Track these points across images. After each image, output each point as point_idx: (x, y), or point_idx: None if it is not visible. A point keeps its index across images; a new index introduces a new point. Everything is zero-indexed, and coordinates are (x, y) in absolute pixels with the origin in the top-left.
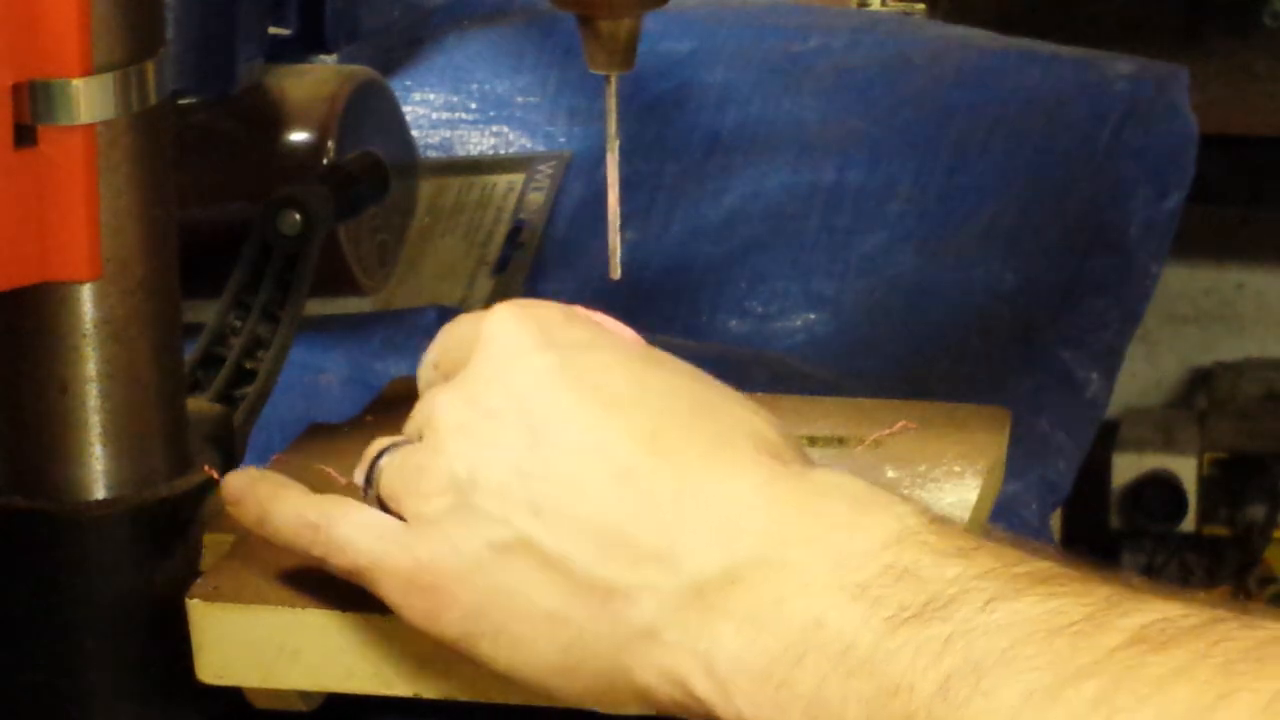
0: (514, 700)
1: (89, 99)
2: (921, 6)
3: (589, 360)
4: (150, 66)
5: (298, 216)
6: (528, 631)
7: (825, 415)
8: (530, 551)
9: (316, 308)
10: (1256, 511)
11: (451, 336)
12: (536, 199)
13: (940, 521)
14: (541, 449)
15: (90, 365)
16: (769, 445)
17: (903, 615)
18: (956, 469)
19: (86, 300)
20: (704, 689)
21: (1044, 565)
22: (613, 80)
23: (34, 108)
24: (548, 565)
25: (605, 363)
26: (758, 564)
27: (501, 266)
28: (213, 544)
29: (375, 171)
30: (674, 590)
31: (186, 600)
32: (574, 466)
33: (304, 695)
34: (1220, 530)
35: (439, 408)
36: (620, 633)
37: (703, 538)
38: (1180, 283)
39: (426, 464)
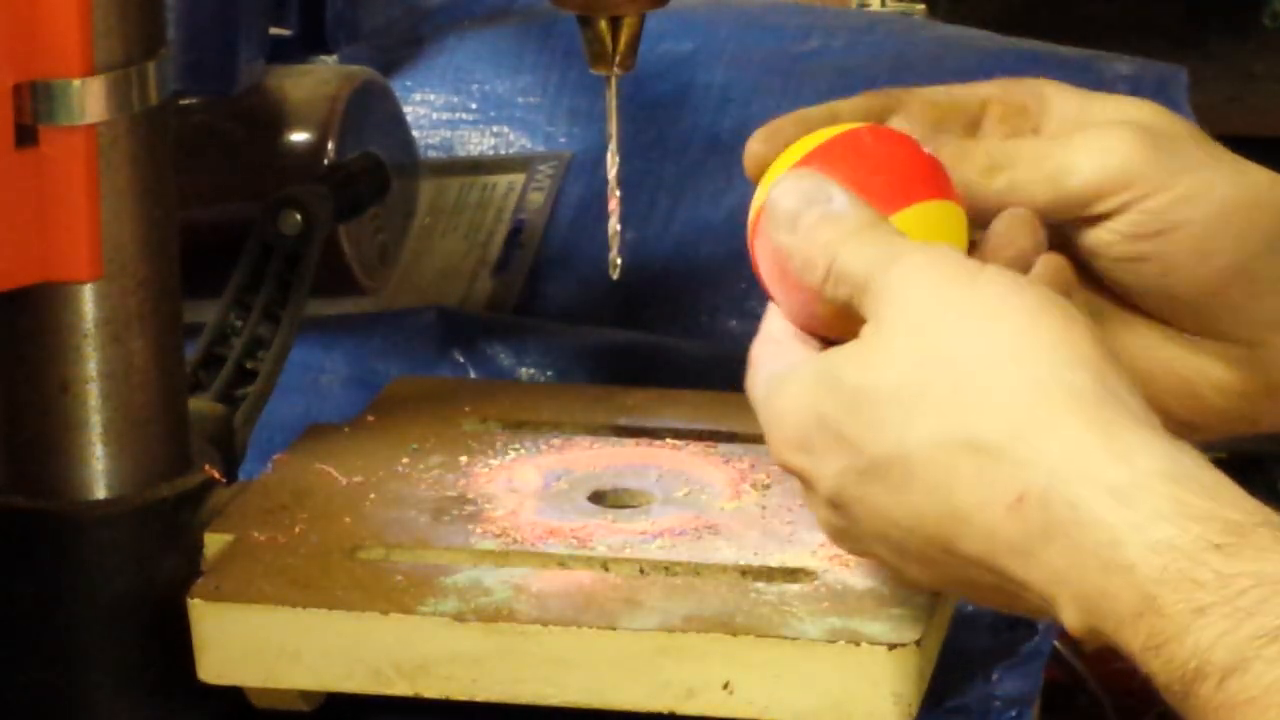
0: (514, 700)
1: (90, 99)
2: (921, 6)
3: None
4: (151, 67)
5: (298, 217)
6: None
7: None
8: None
9: (317, 308)
10: None
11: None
12: (537, 199)
13: (1169, 560)
14: None
15: (91, 365)
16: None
17: (1174, 689)
18: None
19: (87, 300)
20: None
21: None
22: (613, 80)
23: (35, 108)
24: None
25: None
26: None
27: (502, 266)
28: (214, 543)
29: (376, 172)
30: None
31: (187, 600)
32: None
33: (304, 695)
34: None
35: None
36: None
37: None
38: None
39: None
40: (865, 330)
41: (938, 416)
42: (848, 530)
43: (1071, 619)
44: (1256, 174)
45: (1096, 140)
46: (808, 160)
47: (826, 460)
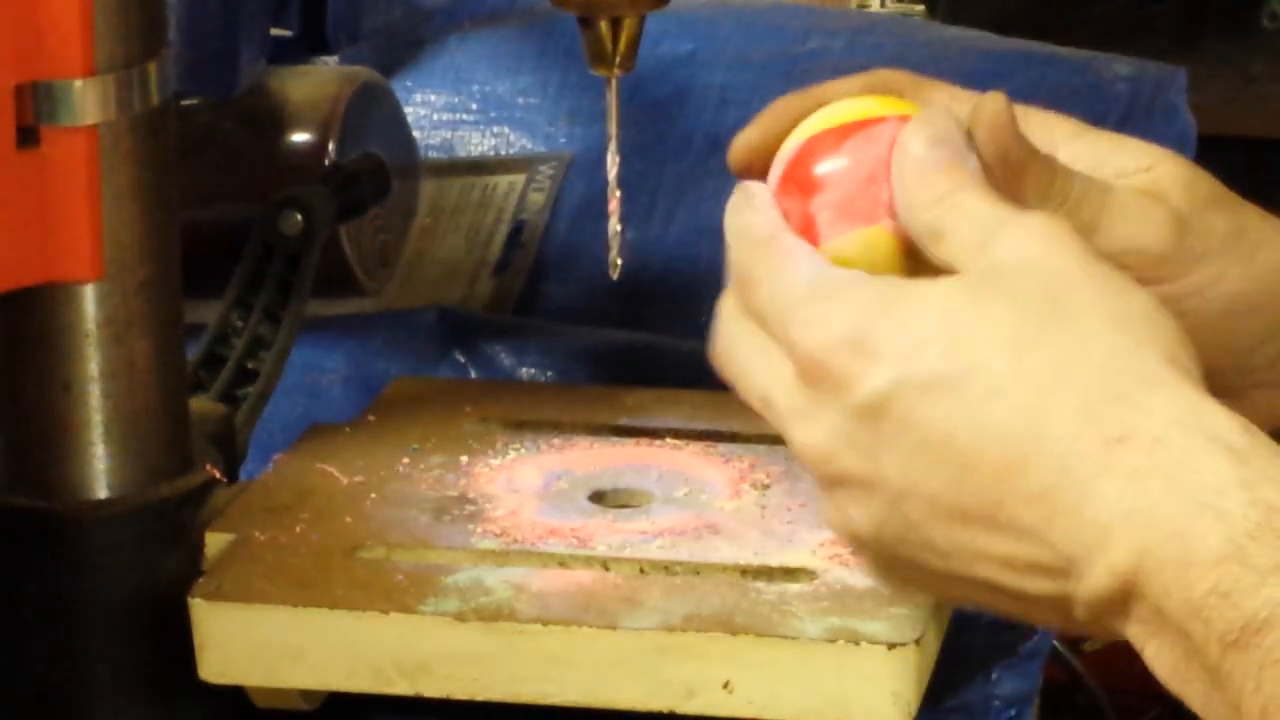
0: (514, 699)
1: (91, 100)
2: (921, 7)
3: None
4: (152, 68)
5: (299, 217)
6: None
7: None
8: None
9: (318, 308)
10: None
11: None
12: (537, 199)
13: (1267, 518)
14: None
15: (92, 365)
16: None
17: (1228, 639)
18: None
19: (89, 300)
20: None
21: None
22: (613, 81)
23: (37, 108)
24: None
25: None
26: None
27: (502, 267)
28: (215, 543)
29: (376, 172)
30: None
31: (189, 599)
32: None
33: (305, 694)
34: None
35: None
36: None
37: None
38: None
39: None
40: (961, 273)
41: (1047, 344)
42: (866, 442)
43: (1121, 558)
44: (1268, 255)
45: (1134, 211)
46: (844, 132)
47: (885, 362)
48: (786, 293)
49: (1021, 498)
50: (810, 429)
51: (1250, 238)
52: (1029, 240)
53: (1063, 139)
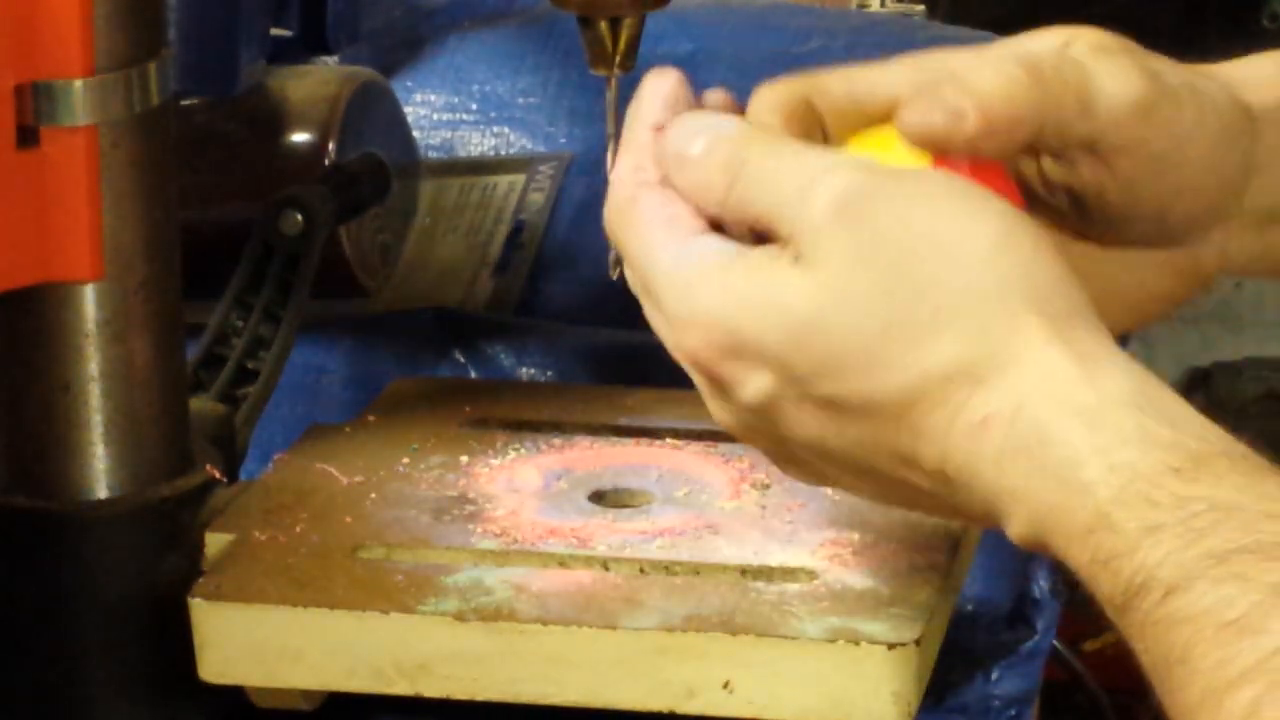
0: (514, 699)
1: (91, 100)
2: (921, 7)
3: None
4: (152, 67)
5: (299, 217)
6: None
7: None
8: None
9: (318, 308)
10: None
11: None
12: (537, 199)
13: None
14: None
15: (92, 365)
16: None
17: (1115, 603)
18: None
19: (89, 300)
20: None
21: (1232, 519)
22: (613, 81)
23: (36, 108)
24: None
25: None
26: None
27: (502, 267)
28: (215, 543)
29: (376, 172)
30: None
31: (189, 599)
32: None
33: (305, 694)
34: None
35: None
36: None
37: None
38: None
39: None
40: (803, 248)
41: (900, 341)
42: (765, 431)
43: (1019, 530)
44: (1213, 88)
45: (1103, 69)
46: None
47: (758, 371)
48: (646, 278)
49: (923, 477)
50: (719, 413)
51: (1193, 82)
52: (849, 206)
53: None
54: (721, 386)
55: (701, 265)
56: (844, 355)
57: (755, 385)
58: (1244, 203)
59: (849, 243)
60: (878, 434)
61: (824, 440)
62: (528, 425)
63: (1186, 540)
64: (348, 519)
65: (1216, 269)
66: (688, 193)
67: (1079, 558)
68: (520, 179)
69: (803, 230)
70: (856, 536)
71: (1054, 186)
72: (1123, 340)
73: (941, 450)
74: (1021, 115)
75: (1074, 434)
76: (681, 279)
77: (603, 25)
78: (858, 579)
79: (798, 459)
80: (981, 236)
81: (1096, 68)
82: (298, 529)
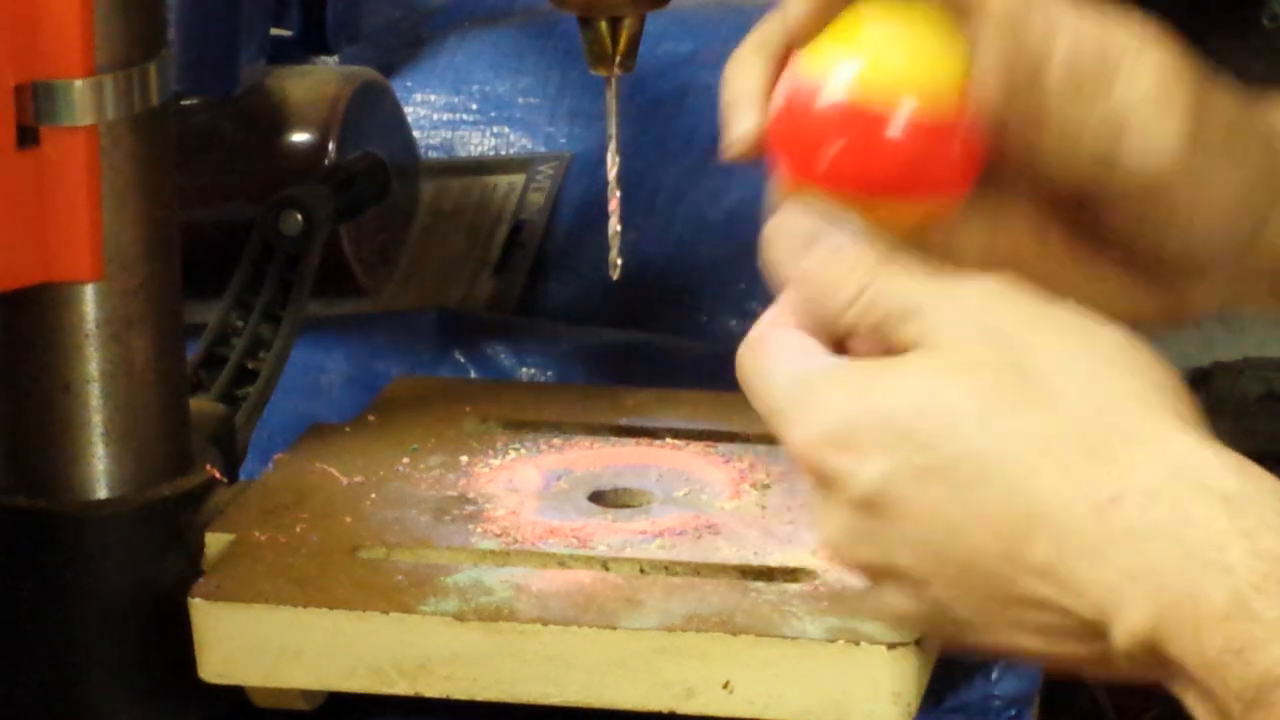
0: (514, 699)
1: (91, 100)
2: None
3: None
4: (152, 68)
5: (299, 217)
6: None
7: None
8: None
9: (318, 308)
10: None
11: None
12: (537, 199)
13: (1273, 569)
14: None
15: (92, 365)
16: None
17: (1246, 697)
18: None
19: (89, 300)
20: None
21: None
22: (613, 81)
23: (36, 108)
24: None
25: None
26: None
27: (502, 267)
28: (214, 543)
29: (376, 172)
30: None
31: (189, 599)
32: None
33: (305, 694)
34: None
35: None
36: None
37: None
38: None
39: None
40: (925, 348)
41: (1023, 415)
42: (874, 535)
43: (1137, 622)
44: (1256, 142)
45: (1143, 125)
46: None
47: (872, 457)
48: (770, 397)
49: (1030, 572)
50: (823, 525)
51: (1234, 123)
52: (979, 309)
53: (1064, 30)
54: (831, 482)
55: (822, 367)
56: (959, 405)
57: (870, 469)
58: (1259, 251)
59: (975, 330)
60: (989, 518)
61: (933, 521)
62: (528, 425)
63: None
64: (348, 519)
65: (1205, 309)
66: (817, 290)
67: (1208, 646)
68: (520, 179)
69: (932, 327)
70: None
71: (1061, 188)
72: None
73: (1061, 527)
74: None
75: (1218, 515)
76: (802, 379)
77: (603, 25)
78: (858, 579)
79: (898, 570)
80: (1109, 343)
81: (1136, 119)
82: (298, 529)
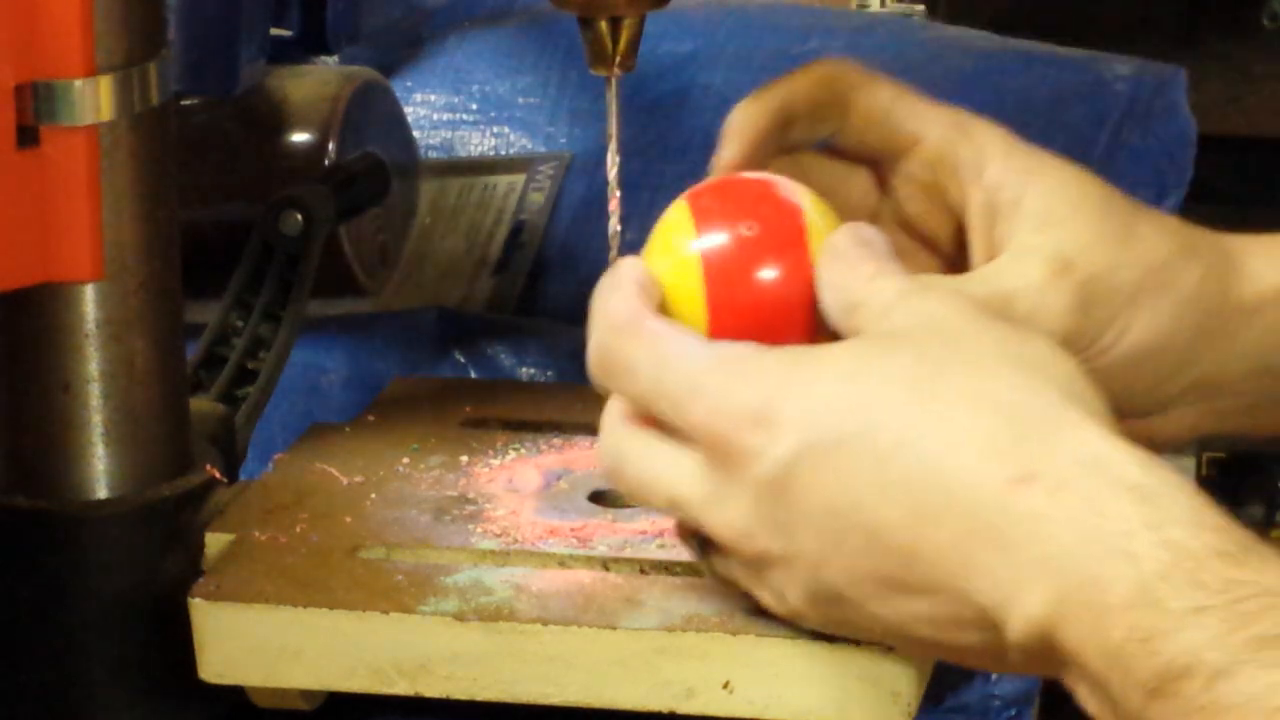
0: (514, 699)
1: (91, 100)
2: (921, 7)
3: None
4: (152, 67)
5: (299, 217)
6: None
7: None
8: None
9: (318, 308)
10: (1255, 511)
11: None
12: (537, 199)
13: (1177, 559)
14: None
15: (92, 365)
16: None
17: (1149, 685)
18: None
19: (89, 300)
20: None
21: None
22: (613, 81)
23: (36, 108)
24: None
25: None
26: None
27: (502, 267)
28: (214, 543)
29: (376, 172)
30: None
31: (189, 599)
32: None
33: (305, 694)
34: None
35: None
36: None
37: None
38: None
39: None
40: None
41: (946, 395)
42: (774, 518)
43: (1035, 606)
44: (1173, 297)
45: (1034, 297)
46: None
47: (787, 435)
48: (676, 373)
49: (933, 551)
50: (724, 513)
51: (1157, 278)
52: (929, 302)
53: (991, 158)
54: (736, 461)
55: (741, 349)
56: (872, 425)
57: (781, 446)
58: (1221, 385)
59: (908, 321)
60: (901, 486)
61: (843, 492)
62: (528, 425)
63: (1233, 624)
64: (348, 519)
65: (1177, 437)
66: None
67: (1110, 635)
68: (520, 179)
69: (876, 327)
70: None
71: None
72: None
73: (970, 505)
74: None
75: (1126, 505)
76: (723, 358)
77: (603, 25)
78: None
79: (793, 555)
80: (1028, 345)
81: (1021, 304)
82: (298, 529)
